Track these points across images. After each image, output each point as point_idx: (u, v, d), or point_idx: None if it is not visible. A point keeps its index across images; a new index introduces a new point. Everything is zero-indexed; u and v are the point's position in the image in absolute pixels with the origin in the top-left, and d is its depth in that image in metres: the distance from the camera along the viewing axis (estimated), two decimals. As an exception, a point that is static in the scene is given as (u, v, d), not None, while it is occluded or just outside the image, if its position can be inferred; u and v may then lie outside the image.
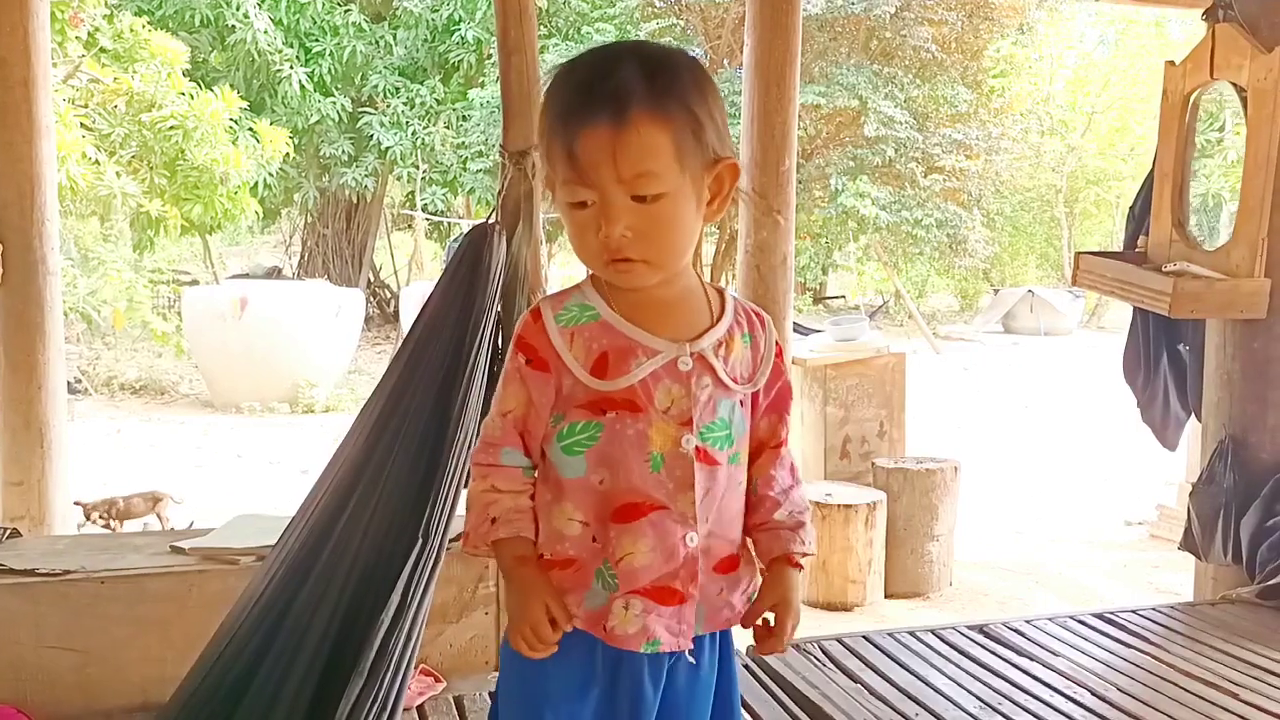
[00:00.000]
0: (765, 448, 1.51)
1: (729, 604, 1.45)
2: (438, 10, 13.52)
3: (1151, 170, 3.61)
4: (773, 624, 1.44)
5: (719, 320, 1.44)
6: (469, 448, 2.24)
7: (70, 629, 2.43)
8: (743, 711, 1.57)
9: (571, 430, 1.39)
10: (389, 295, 16.64)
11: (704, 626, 1.43)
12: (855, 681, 2.64)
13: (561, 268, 15.24)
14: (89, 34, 7.50)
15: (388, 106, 13.58)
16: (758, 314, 1.49)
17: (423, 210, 14.04)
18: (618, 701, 1.41)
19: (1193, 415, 3.81)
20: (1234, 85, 3.29)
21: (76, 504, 4.63)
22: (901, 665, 2.73)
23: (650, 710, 1.41)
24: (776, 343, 1.50)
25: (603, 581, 1.39)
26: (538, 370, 1.40)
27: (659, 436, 1.38)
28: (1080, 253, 3.69)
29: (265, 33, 12.16)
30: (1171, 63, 3.46)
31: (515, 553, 1.40)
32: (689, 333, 1.41)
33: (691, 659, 1.41)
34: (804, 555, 1.47)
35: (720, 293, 1.47)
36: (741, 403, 1.45)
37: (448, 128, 13.64)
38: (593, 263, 1.38)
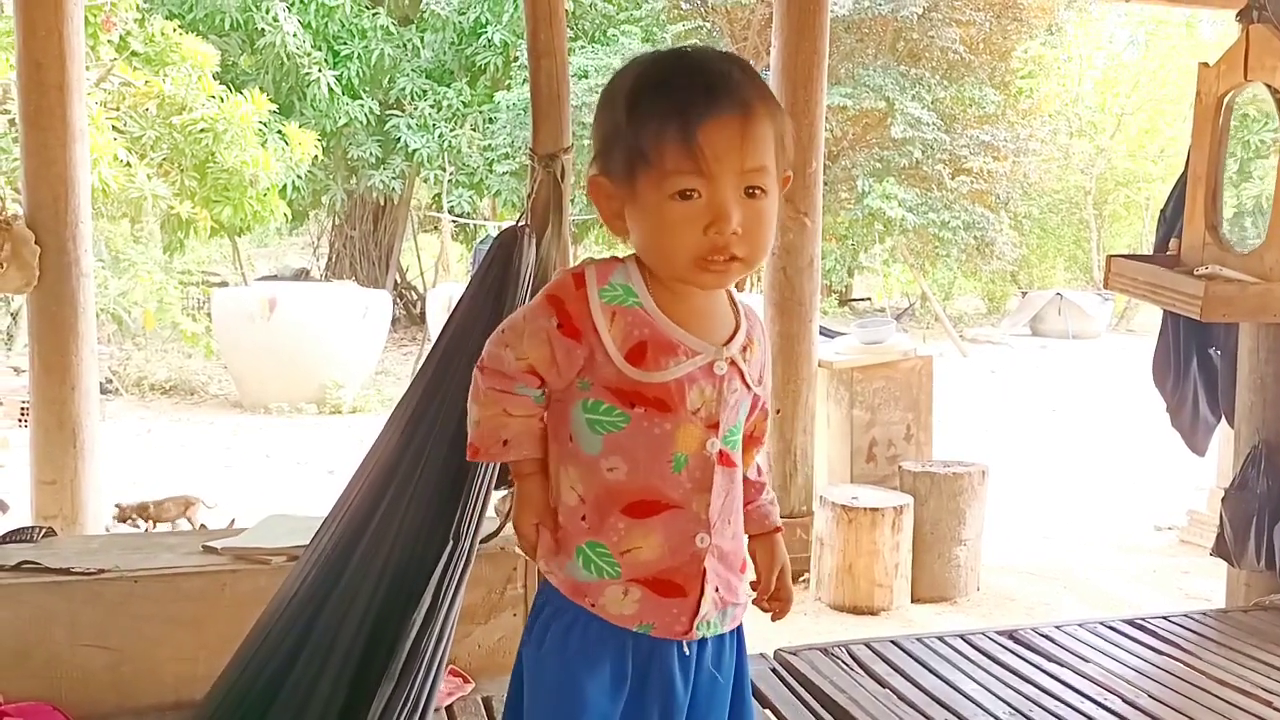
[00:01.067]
0: (755, 439, 1.57)
1: (744, 602, 1.50)
2: (465, 13, 13.58)
3: (1183, 173, 3.58)
4: (776, 589, 1.57)
5: (739, 322, 1.46)
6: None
7: (104, 627, 2.46)
8: (753, 701, 1.61)
9: (597, 406, 1.40)
10: (415, 297, 16.71)
11: (726, 625, 1.47)
12: (883, 686, 2.63)
13: (587, 270, 15.22)
14: (121, 38, 7.59)
15: (415, 109, 13.64)
16: (752, 310, 1.52)
17: (449, 212, 14.08)
18: (648, 702, 1.43)
19: (1223, 420, 3.78)
20: (1268, 87, 3.25)
21: (116, 505, 4.69)
22: (930, 670, 2.72)
23: (681, 709, 1.43)
24: None
25: (584, 559, 1.41)
26: (568, 337, 1.39)
27: (685, 438, 1.39)
28: (1112, 255, 3.66)
29: (294, 36, 12.24)
30: (1205, 64, 3.43)
31: (522, 470, 1.48)
32: (721, 335, 1.43)
33: (687, 650, 1.43)
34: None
35: (730, 293, 1.49)
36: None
37: (474, 130, 13.70)
38: (683, 258, 1.36)
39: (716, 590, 1.43)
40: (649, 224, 1.37)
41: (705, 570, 1.41)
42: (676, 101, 1.33)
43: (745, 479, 1.55)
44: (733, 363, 1.42)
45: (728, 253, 1.34)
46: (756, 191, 1.35)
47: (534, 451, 1.46)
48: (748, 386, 1.44)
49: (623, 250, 1.47)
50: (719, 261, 1.35)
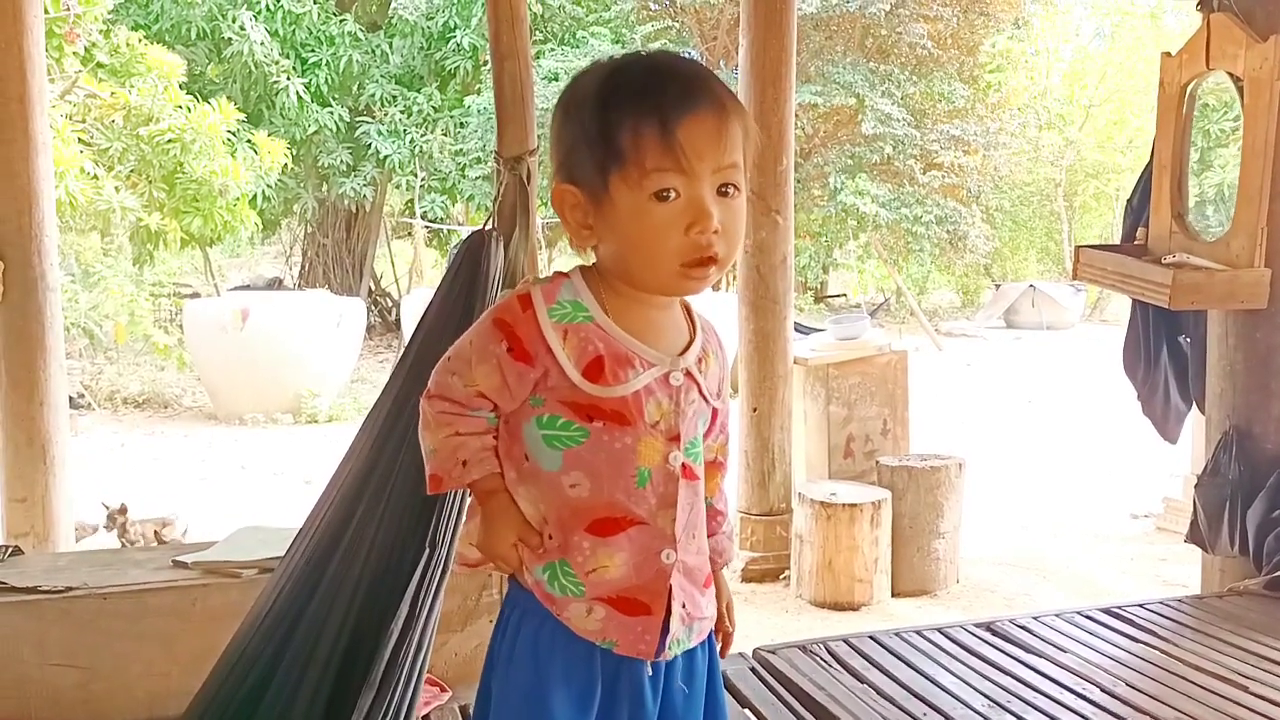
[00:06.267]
0: (718, 465, 1.54)
1: (711, 615, 1.49)
2: (433, 18, 13.53)
3: (1149, 162, 3.60)
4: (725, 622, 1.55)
5: (695, 334, 1.44)
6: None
7: (73, 645, 2.43)
8: (726, 707, 1.60)
9: (553, 422, 1.37)
10: (390, 304, 16.62)
11: (694, 639, 1.45)
12: (862, 682, 2.63)
13: (560, 273, 15.19)
14: (85, 49, 7.50)
15: (385, 115, 13.58)
16: (710, 325, 1.50)
17: (422, 218, 14.03)
18: (617, 710, 1.41)
19: (1194, 407, 3.80)
20: (1230, 75, 3.28)
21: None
22: (908, 664, 2.72)
23: (650, 717, 1.42)
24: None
25: (551, 573, 1.39)
26: (519, 361, 1.36)
27: (647, 451, 1.37)
28: (1080, 246, 3.68)
29: (261, 44, 12.16)
30: (1168, 54, 3.45)
31: (486, 487, 1.43)
32: (676, 346, 1.41)
33: (649, 670, 1.41)
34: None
35: (686, 305, 1.47)
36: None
37: (445, 135, 13.64)
38: (667, 264, 1.33)
39: (683, 606, 1.41)
40: (626, 230, 1.33)
41: (671, 587, 1.39)
42: (652, 99, 1.30)
43: (713, 506, 1.53)
44: (689, 374, 1.40)
45: (710, 252, 1.32)
46: (730, 189, 1.33)
47: (494, 468, 1.42)
48: (705, 399, 1.42)
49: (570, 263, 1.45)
50: (700, 263, 1.32)
